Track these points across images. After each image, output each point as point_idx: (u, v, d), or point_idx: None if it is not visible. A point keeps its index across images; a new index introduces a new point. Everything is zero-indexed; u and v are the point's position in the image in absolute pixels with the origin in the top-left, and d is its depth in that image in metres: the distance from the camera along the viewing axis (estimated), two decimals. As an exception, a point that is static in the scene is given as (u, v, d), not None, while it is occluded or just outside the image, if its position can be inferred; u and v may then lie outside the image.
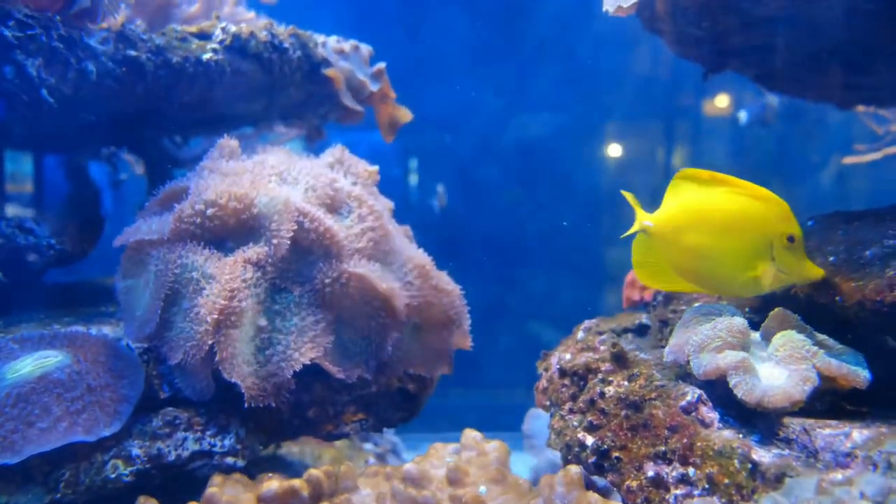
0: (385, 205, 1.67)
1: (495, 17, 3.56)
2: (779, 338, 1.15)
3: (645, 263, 1.28)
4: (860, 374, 1.08)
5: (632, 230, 1.27)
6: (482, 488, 1.17)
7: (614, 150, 3.84)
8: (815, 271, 1.15)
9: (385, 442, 2.61)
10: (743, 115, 3.34)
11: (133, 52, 1.52)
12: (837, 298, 1.16)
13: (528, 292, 3.74)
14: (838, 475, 0.96)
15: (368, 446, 2.53)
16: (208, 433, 1.35)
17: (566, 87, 3.79)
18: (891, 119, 2.73)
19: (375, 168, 1.65)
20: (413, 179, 3.87)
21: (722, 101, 3.67)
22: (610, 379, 1.28)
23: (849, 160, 2.89)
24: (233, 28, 1.66)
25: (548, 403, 1.43)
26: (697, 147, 3.80)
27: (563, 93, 3.79)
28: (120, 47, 1.50)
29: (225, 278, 1.27)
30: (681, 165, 3.76)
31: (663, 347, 1.26)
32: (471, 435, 1.30)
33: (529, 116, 3.75)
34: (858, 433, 1.04)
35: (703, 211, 1.18)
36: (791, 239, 1.12)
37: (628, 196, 1.26)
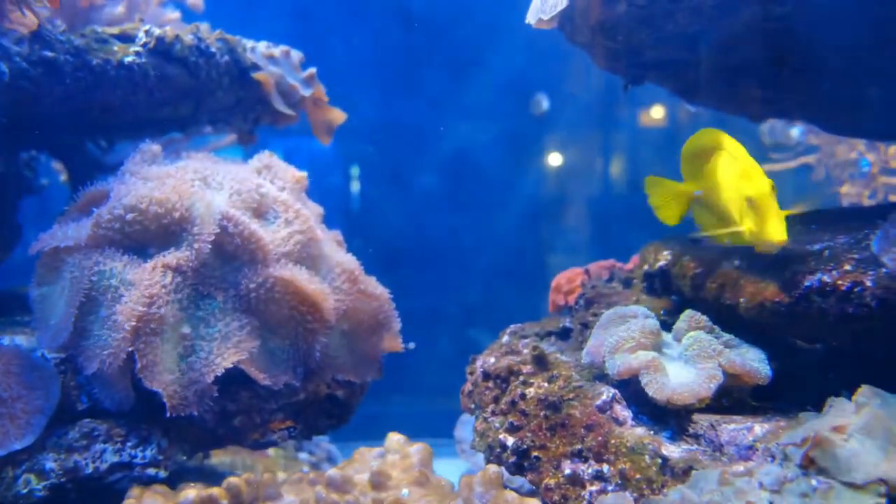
0: (314, 210, 1.66)
1: (429, 26, 3.60)
2: (688, 338, 1.20)
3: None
4: (762, 372, 1.15)
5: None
6: (405, 491, 1.18)
7: (553, 159, 3.91)
8: (774, 232, 1.14)
9: (320, 451, 2.59)
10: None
11: (50, 53, 1.48)
12: (742, 300, 1.22)
13: (466, 300, 3.76)
14: (740, 467, 1.01)
15: (303, 455, 2.51)
16: (129, 444, 1.32)
17: (501, 95, 3.85)
18: (805, 131, 2.89)
19: (304, 174, 1.65)
20: (351, 186, 3.85)
21: (657, 112, 3.78)
22: (531, 381, 1.31)
23: (764, 167, 3.03)
24: (157, 31, 1.63)
25: (472, 406, 1.45)
26: (633, 157, 3.90)
27: (499, 101, 3.84)
28: (36, 48, 1.46)
29: (143, 284, 1.24)
30: (617, 174, 3.86)
31: (584, 349, 1.30)
32: (394, 438, 1.31)
33: (465, 124, 3.79)
34: (760, 427, 1.09)
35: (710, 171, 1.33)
36: (750, 201, 1.19)
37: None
